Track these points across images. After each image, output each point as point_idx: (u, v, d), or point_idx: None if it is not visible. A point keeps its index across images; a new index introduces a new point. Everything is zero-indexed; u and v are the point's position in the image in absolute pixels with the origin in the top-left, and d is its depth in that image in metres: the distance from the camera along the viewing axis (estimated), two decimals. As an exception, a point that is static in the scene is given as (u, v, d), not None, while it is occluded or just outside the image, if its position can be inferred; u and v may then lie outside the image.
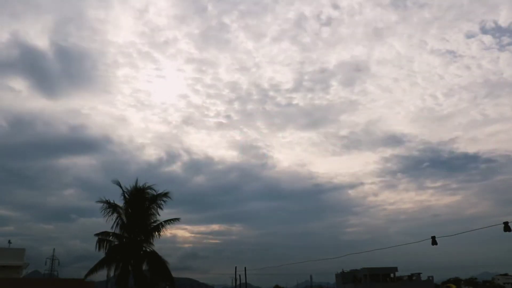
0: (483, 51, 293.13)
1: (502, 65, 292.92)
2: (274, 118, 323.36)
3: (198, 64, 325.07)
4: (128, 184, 27.32)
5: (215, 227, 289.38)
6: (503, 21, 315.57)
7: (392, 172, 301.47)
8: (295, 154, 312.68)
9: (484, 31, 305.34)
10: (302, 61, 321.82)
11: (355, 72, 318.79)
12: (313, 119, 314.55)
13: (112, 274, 26.44)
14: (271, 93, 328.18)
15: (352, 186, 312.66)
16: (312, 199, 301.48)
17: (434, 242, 26.40)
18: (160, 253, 27.09)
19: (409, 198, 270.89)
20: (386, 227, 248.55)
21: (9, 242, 40.72)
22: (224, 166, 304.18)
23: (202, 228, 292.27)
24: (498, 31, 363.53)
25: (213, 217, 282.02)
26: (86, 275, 26.18)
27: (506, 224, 22.64)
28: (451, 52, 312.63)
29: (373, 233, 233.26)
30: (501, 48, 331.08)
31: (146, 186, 27.15)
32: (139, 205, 26.66)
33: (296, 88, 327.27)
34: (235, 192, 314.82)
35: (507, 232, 22.53)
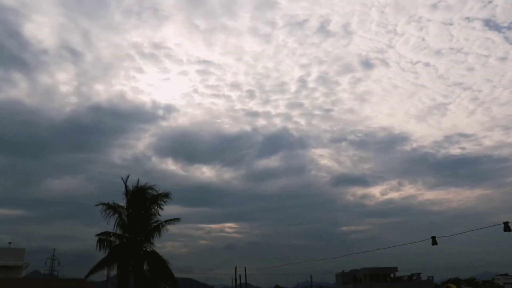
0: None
1: None
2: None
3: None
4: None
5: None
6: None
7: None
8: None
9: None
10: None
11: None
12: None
13: (112, 274, 26.47)
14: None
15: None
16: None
17: (434, 242, 26.40)
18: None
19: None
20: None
21: (9, 242, 40.75)
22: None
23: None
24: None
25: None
26: (87, 275, 26.18)
27: (506, 224, 22.64)
28: None
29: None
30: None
31: (147, 186, 27.20)
32: (140, 205, 26.69)
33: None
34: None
35: (507, 232, 22.54)
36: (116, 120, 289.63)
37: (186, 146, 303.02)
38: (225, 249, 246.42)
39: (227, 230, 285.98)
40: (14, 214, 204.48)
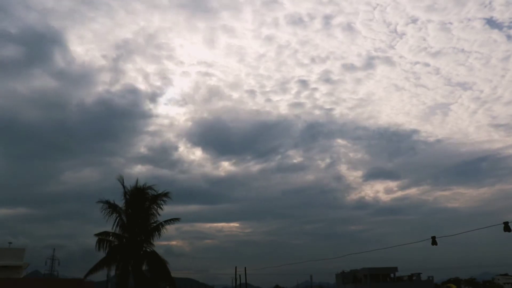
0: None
1: None
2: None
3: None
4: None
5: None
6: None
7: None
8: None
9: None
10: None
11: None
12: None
13: (112, 274, 26.44)
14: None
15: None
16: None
17: (434, 242, 26.39)
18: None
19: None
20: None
21: (9, 242, 40.74)
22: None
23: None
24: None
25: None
26: (86, 275, 26.20)
27: (506, 224, 22.62)
28: None
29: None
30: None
31: (147, 186, 27.22)
32: (139, 205, 26.69)
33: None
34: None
35: (507, 232, 22.52)
36: (150, 102, 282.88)
37: (220, 134, 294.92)
38: (229, 249, 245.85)
39: (236, 229, 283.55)
40: (25, 213, 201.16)
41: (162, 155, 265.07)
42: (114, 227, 26.41)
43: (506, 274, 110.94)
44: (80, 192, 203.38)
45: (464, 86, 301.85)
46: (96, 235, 26.64)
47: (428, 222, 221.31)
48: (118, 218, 26.50)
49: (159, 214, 27.28)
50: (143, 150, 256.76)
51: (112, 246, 26.48)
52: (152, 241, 27.10)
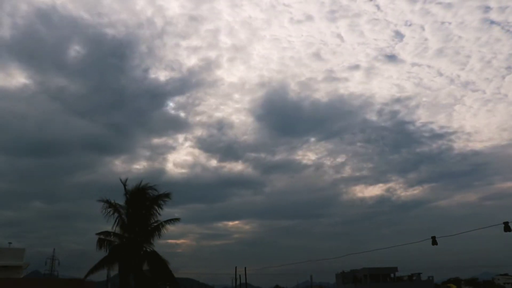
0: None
1: None
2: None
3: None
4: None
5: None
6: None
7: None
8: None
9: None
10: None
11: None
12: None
13: (112, 274, 26.43)
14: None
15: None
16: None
17: (434, 242, 26.44)
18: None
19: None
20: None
21: (9, 242, 40.77)
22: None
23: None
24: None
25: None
26: (86, 275, 26.21)
27: (506, 224, 22.67)
28: None
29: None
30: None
31: (148, 186, 27.22)
32: (140, 205, 26.69)
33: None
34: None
35: (507, 232, 22.56)
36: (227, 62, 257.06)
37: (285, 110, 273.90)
38: (230, 248, 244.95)
39: (243, 227, 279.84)
40: (40, 208, 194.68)
41: (217, 136, 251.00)
42: (115, 227, 26.45)
43: (506, 274, 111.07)
44: (107, 184, 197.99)
45: None
46: (97, 234, 26.68)
47: (445, 219, 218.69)
48: (119, 217, 26.52)
49: (159, 214, 27.32)
50: (196, 132, 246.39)
51: (113, 245, 26.48)
52: (152, 241, 27.12)
